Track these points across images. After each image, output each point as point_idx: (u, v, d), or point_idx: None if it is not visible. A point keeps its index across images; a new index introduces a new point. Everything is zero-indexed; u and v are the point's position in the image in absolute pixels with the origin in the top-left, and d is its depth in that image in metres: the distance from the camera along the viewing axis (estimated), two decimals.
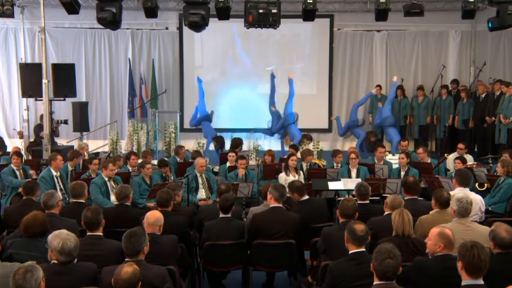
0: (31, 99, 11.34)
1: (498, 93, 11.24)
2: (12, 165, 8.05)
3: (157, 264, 3.99)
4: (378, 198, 7.10)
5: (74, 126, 11.37)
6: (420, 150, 8.90)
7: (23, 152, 10.25)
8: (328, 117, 13.17)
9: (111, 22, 9.45)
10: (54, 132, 11.02)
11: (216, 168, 9.12)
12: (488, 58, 12.82)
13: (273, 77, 12.45)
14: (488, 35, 12.29)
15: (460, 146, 9.08)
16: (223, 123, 12.93)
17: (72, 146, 10.72)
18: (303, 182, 7.79)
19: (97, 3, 9.46)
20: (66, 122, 10.67)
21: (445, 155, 9.41)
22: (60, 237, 3.72)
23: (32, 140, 11.74)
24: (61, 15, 11.01)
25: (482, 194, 6.78)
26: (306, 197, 5.88)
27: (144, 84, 12.90)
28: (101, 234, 4.45)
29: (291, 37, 13.27)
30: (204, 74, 13.21)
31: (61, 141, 11.64)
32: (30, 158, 10.19)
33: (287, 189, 5.77)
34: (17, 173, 8.01)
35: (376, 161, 8.73)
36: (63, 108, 12.13)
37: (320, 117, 13.07)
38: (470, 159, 8.91)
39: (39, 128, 11.30)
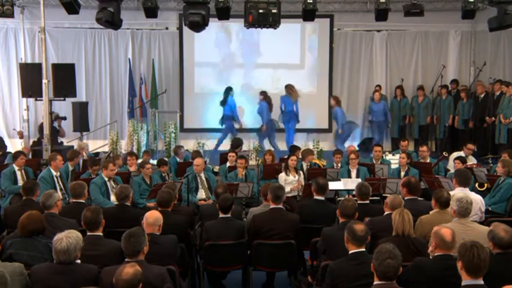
0: (31, 99, 11.32)
1: (498, 93, 11.24)
2: (14, 166, 7.93)
3: (157, 264, 3.98)
4: (378, 198, 7.10)
5: (74, 126, 11.35)
6: (424, 148, 8.89)
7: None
8: (328, 117, 13.16)
9: (110, 22, 9.44)
10: (58, 132, 11.01)
11: (216, 168, 9.12)
12: (488, 58, 12.81)
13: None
14: (488, 35, 12.27)
15: (470, 146, 9.08)
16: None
17: (72, 146, 10.71)
18: (302, 182, 7.85)
19: (99, 4, 9.45)
20: (65, 118, 10.60)
21: (444, 153, 9.41)
22: (62, 237, 3.74)
23: (35, 139, 11.55)
24: (61, 15, 11.00)
25: (482, 194, 6.79)
26: (322, 198, 5.80)
27: (144, 84, 12.88)
28: (101, 234, 4.45)
29: (292, 37, 13.26)
30: (204, 74, 13.22)
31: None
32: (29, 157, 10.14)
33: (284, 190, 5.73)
34: (18, 173, 7.87)
35: (374, 161, 8.76)
36: (63, 108, 12.11)
37: (320, 117, 13.05)
38: (470, 159, 8.91)
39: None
